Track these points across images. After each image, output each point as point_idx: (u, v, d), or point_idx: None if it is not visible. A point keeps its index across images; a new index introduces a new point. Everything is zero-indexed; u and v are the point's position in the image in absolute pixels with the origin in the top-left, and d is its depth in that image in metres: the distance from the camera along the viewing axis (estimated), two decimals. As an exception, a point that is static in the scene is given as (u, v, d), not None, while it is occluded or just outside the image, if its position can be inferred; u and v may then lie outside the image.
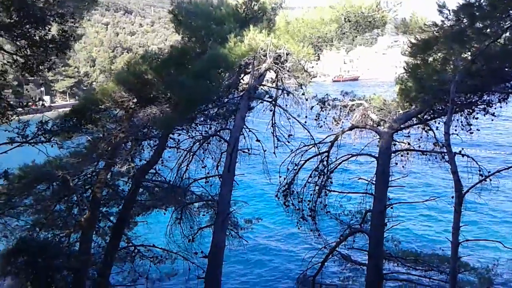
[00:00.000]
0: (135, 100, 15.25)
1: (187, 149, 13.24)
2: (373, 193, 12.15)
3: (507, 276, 12.16)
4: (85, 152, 15.36)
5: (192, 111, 13.40)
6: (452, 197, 11.57)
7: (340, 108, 15.25)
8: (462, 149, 12.13)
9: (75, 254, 13.84)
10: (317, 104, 15.32)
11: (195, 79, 13.42)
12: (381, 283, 11.73)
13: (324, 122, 15.21)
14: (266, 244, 23.27)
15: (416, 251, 14.07)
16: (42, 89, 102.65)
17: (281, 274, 21.45)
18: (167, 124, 13.50)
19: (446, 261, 13.04)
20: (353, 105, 14.85)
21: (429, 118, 12.63)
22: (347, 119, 14.69)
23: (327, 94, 15.81)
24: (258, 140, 13.17)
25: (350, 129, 13.31)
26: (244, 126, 12.57)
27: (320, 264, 12.79)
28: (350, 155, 13.26)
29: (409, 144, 12.75)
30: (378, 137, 12.66)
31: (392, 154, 12.58)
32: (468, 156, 11.95)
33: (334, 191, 13.53)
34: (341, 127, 13.78)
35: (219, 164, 13.27)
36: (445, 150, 12.52)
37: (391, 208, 12.87)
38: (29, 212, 15.39)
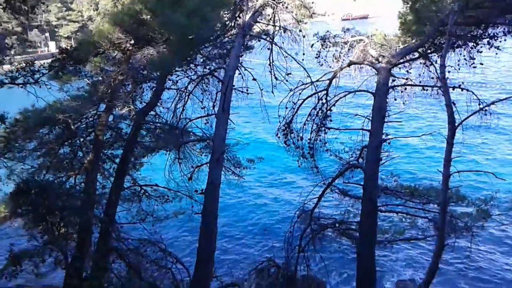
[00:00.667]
0: (132, 42, 15.09)
1: (183, 89, 13.16)
2: (369, 129, 12.12)
3: (504, 208, 12.28)
4: (86, 96, 15.45)
5: (187, 50, 13.20)
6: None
7: (341, 45, 14.95)
8: (463, 82, 11.92)
9: (78, 195, 14.29)
10: (318, 41, 15.01)
11: (188, 17, 13.13)
12: (375, 214, 11.99)
13: (324, 60, 14.98)
14: (268, 182, 23.78)
15: (414, 185, 14.20)
16: (47, 34, 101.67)
17: (279, 211, 22.05)
18: (163, 65, 13.36)
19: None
20: (353, 41, 14.53)
21: (429, 52, 12.29)
22: (347, 56, 14.42)
23: (328, 31, 15.43)
24: (254, 79, 13.05)
25: (348, 65, 13.09)
26: (239, 65, 12.38)
27: (317, 198, 13.03)
28: (347, 92, 13.13)
29: (407, 79, 12.51)
30: (376, 73, 12.43)
31: (391, 90, 12.42)
32: (467, 90, 11.74)
33: (331, 128, 13.47)
34: (340, 65, 13.50)
35: (215, 103, 13.25)
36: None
37: (388, 143, 12.92)
38: (33, 155, 15.76)
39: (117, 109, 15.87)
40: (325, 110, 14.37)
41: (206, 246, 10.98)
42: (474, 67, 13.21)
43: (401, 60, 12.31)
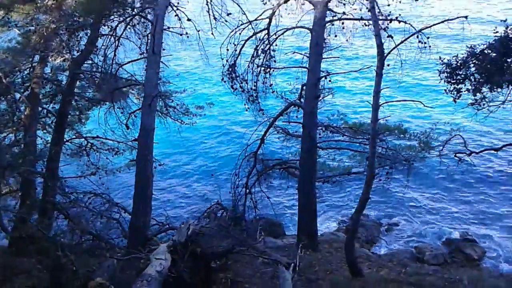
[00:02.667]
0: (62, -13, 14.15)
1: (111, 33, 12.50)
2: (307, 66, 11.91)
3: (443, 138, 12.44)
4: (18, 47, 14.55)
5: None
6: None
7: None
8: (400, 15, 11.67)
9: (18, 151, 13.73)
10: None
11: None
12: (315, 151, 12.01)
13: (268, -1, 14.38)
14: (216, 126, 23.55)
15: (359, 122, 14.23)
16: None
17: (226, 154, 22.01)
18: (89, 8, 12.64)
19: (385, 129, 13.34)
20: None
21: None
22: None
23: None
24: (189, 20, 12.48)
25: (285, 1, 12.61)
26: (173, 5, 11.78)
27: (260, 140, 12.94)
28: (285, 29, 12.74)
29: (344, 13, 12.17)
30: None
31: (329, 25, 12.12)
32: (405, 23, 11.45)
33: (272, 67, 13.18)
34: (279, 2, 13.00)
35: (147, 46, 12.67)
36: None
37: (330, 81, 12.78)
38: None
39: (52, 60, 15.10)
40: (268, 51, 14.02)
41: (141, 192, 10.83)
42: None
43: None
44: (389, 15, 11.25)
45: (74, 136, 16.24)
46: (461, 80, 7.97)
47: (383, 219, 17.99)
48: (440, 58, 8.26)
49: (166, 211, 14.81)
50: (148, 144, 10.85)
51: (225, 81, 14.65)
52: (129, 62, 12.64)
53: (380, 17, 10.64)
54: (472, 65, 7.92)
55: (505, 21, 7.80)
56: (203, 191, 19.47)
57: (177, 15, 13.25)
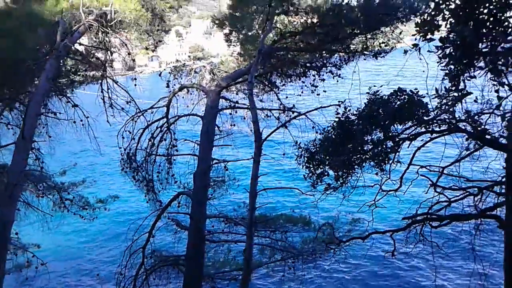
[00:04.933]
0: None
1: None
2: (197, 154, 11.42)
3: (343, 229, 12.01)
4: None
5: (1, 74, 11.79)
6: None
7: (186, 72, 14.39)
8: (293, 105, 11.74)
9: None
10: (169, 71, 14.32)
11: (1, 39, 11.85)
12: (203, 245, 11.09)
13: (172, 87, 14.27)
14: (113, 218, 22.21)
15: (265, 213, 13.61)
16: None
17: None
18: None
19: (287, 220, 12.83)
20: (197, 67, 14.05)
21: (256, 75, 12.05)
22: (187, 80, 13.86)
23: (178, 60, 14.91)
24: (75, 105, 11.91)
25: (180, 89, 12.53)
26: (52, 88, 11.22)
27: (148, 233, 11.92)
28: (177, 117, 12.42)
29: (236, 102, 12.10)
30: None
31: (222, 113, 11.92)
32: (301, 114, 11.40)
33: (160, 155, 12.63)
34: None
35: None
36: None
37: (226, 169, 12.30)
38: None
39: None
40: (169, 140, 13.56)
41: None
42: (317, 94, 13.23)
43: (231, 83, 11.87)
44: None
45: None
46: (318, 165, 7.64)
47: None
48: (296, 142, 7.99)
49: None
50: (4, 241, 9.51)
51: (126, 172, 13.87)
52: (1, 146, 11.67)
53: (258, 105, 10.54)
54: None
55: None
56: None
57: (68, 101, 12.73)
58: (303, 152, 7.65)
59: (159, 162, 13.71)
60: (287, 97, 13.14)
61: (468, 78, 6.26)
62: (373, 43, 12.26)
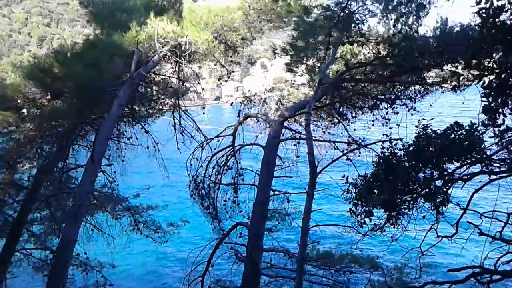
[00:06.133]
0: (48, 97, 14.70)
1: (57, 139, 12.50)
2: (257, 184, 11.24)
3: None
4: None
5: (81, 101, 12.67)
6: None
7: (257, 102, 14.51)
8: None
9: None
10: (240, 101, 14.58)
11: (85, 68, 12.81)
12: (258, 278, 10.72)
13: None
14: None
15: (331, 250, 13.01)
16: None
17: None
18: (50, 116, 12.86)
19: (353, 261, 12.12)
20: (265, 98, 14.12)
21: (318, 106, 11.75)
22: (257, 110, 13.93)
23: (249, 90, 15.20)
24: (146, 132, 12.39)
25: (244, 118, 12.55)
26: (129, 116, 11.79)
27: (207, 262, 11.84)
28: (240, 145, 12.40)
29: (299, 133, 11.82)
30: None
31: (284, 143, 11.71)
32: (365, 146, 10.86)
33: (223, 184, 12.63)
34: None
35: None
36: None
37: (288, 202, 12.01)
38: None
39: (20, 167, 15.15)
40: (236, 169, 13.62)
41: None
42: (390, 127, 12.63)
43: (295, 113, 11.68)
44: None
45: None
46: (362, 202, 6.97)
47: None
48: (343, 176, 7.44)
49: None
50: (66, 258, 9.93)
51: (194, 198, 14.10)
52: (71, 169, 12.38)
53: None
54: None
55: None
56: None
57: (142, 127, 13.30)
58: (349, 187, 7.13)
59: (226, 191, 13.80)
60: (355, 130, 12.67)
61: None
62: (451, 75, 11.52)
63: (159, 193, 25.25)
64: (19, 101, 14.47)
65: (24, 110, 14.82)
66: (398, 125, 12.62)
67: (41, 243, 15.40)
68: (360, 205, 6.73)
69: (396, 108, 12.78)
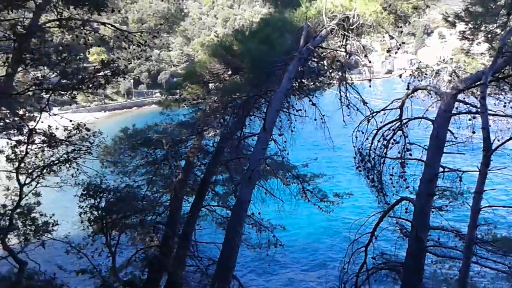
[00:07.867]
0: (229, 72, 16.47)
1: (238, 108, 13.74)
2: (424, 160, 10.82)
3: None
4: (189, 122, 17.27)
5: (256, 75, 13.75)
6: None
7: (429, 74, 13.83)
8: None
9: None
10: (410, 73, 14.15)
11: (258, 45, 13.87)
12: (422, 255, 10.40)
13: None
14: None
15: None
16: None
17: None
18: (230, 90, 14.26)
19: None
20: (439, 69, 13.33)
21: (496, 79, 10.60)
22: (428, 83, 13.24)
23: (420, 61, 14.61)
24: (313, 104, 12.88)
25: (413, 91, 12.04)
26: (297, 90, 12.45)
27: (370, 234, 11.94)
28: (407, 119, 11.98)
29: (474, 106, 10.84)
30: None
31: (456, 117, 10.97)
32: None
33: (388, 157, 12.38)
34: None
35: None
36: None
37: (460, 180, 11.26)
38: (137, 172, 17.90)
39: (206, 134, 17.23)
40: (404, 143, 13.31)
41: (225, 262, 10.93)
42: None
43: (469, 86, 10.79)
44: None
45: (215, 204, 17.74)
46: None
47: None
48: None
49: None
50: (241, 217, 11.12)
51: (360, 171, 14.27)
52: (247, 136, 13.60)
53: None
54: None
55: None
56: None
57: (310, 100, 13.84)
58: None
59: (392, 165, 13.59)
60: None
61: None
62: None
63: (324, 164, 25.92)
64: (206, 76, 16.47)
65: (210, 84, 16.83)
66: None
67: (222, 202, 17.47)
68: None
69: None
